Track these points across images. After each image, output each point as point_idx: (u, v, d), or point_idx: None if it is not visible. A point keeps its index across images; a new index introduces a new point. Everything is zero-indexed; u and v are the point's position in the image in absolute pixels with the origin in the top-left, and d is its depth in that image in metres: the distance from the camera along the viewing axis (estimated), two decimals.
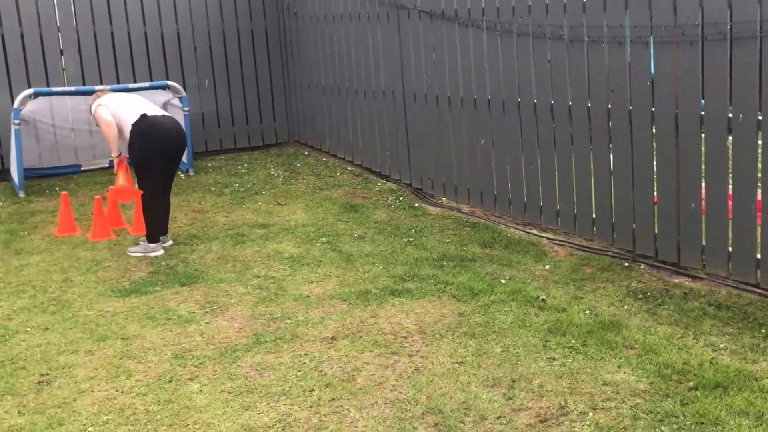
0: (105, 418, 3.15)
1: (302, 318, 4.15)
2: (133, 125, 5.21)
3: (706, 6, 4.11)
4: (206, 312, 4.29)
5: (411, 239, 5.57)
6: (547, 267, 4.81)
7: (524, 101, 5.44)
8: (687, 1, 4.20)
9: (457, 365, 3.52)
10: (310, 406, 3.18)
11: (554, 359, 3.53)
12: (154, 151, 5.22)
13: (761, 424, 2.89)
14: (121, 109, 5.34)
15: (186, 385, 3.42)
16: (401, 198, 6.71)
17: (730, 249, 4.25)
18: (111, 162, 7.94)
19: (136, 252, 5.35)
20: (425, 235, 5.67)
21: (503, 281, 4.58)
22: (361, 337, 3.87)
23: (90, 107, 5.59)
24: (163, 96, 7.62)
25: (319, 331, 3.96)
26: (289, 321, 4.12)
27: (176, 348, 3.82)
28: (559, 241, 5.26)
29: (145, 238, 5.40)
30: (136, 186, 5.36)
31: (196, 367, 3.60)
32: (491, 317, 4.05)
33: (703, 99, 4.28)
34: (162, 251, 5.35)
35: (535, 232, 5.49)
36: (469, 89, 5.95)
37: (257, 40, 8.83)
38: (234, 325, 4.09)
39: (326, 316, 4.15)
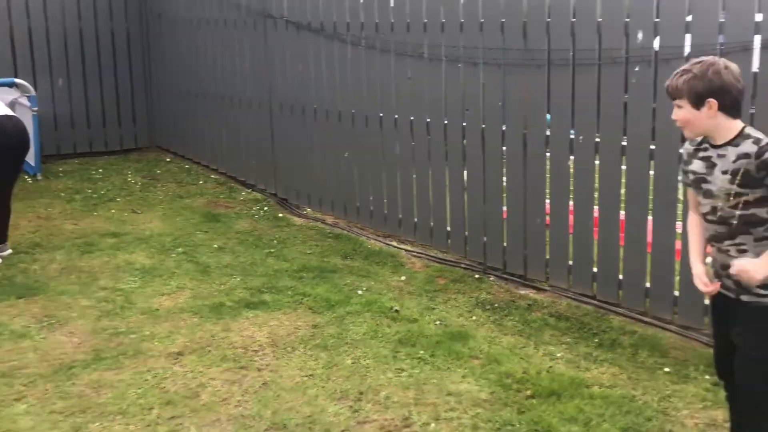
0: None
1: (148, 332, 3.97)
2: None
3: (552, 33, 4.35)
4: (43, 326, 4.01)
5: (272, 250, 5.49)
6: (403, 278, 4.89)
7: (386, 116, 5.53)
8: (535, 27, 4.43)
9: (306, 378, 3.49)
10: (148, 425, 3.04)
11: (402, 370, 3.59)
12: (6, 151, 4.85)
13: (588, 430, 3.06)
14: None
15: (11, 406, 3.17)
16: (266, 208, 6.61)
17: (570, 263, 4.51)
18: None
19: None
20: (287, 246, 5.62)
21: (360, 292, 4.61)
22: (209, 351, 3.75)
23: None
24: (11, 94, 7.11)
25: (165, 346, 3.81)
26: (133, 336, 3.93)
27: (4, 366, 3.54)
28: (417, 252, 5.37)
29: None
30: None
31: (24, 386, 3.35)
32: (345, 329, 4.05)
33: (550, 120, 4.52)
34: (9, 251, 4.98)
35: (394, 243, 5.57)
36: (334, 102, 5.98)
37: (118, 41, 8.45)
38: (72, 341, 3.85)
39: (174, 331, 4.00)
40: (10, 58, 7.78)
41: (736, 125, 2.44)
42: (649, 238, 4.10)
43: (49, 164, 7.76)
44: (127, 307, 4.32)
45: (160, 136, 8.69)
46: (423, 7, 5.09)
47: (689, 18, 3.75)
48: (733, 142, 2.43)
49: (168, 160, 8.31)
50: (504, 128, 4.71)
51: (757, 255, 2.39)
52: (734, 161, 2.41)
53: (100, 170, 7.80)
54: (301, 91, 6.29)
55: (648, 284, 4.16)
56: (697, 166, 2.53)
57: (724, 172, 2.43)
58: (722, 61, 2.41)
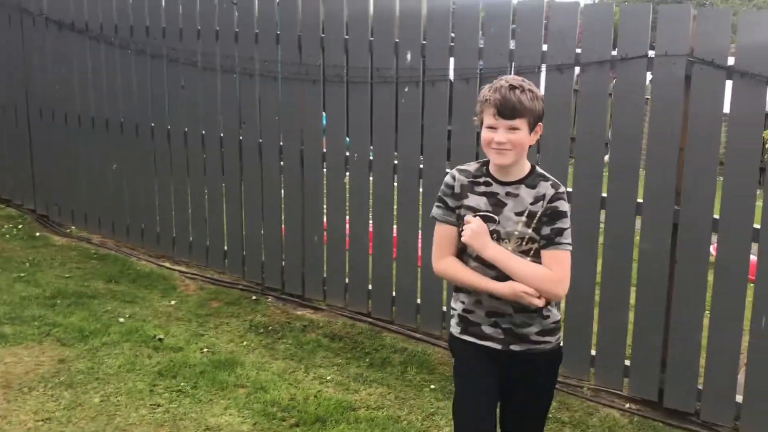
0: None
1: None
2: None
3: (327, 48, 4.28)
4: None
5: (23, 274, 4.87)
6: (173, 302, 4.54)
7: (158, 126, 5.15)
8: (310, 41, 4.33)
9: (41, 423, 3.05)
10: None
11: (159, 405, 3.27)
12: None
13: None
14: None
15: None
16: (21, 226, 5.89)
17: (347, 280, 4.45)
18: None
19: None
20: (42, 269, 5.01)
21: (122, 320, 4.19)
22: None
23: None
24: None
25: None
26: None
27: None
28: (192, 274, 5.04)
29: None
30: None
31: None
32: (98, 362, 3.64)
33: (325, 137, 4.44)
34: None
35: (167, 264, 5.19)
36: (101, 109, 5.47)
37: None
38: None
39: None
40: None
41: (527, 160, 2.21)
42: (420, 254, 4.15)
43: None
44: None
45: None
46: (196, 14, 4.81)
47: (452, 43, 3.85)
48: (527, 180, 2.19)
49: None
50: (281, 143, 4.56)
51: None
52: (532, 203, 2.16)
53: None
54: (64, 95, 5.69)
55: (419, 300, 4.20)
56: (476, 201, 2.21)
57: (519, 214, 2.16)
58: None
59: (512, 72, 3.63)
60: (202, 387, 3.45)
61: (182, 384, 3.46)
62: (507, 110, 2.09)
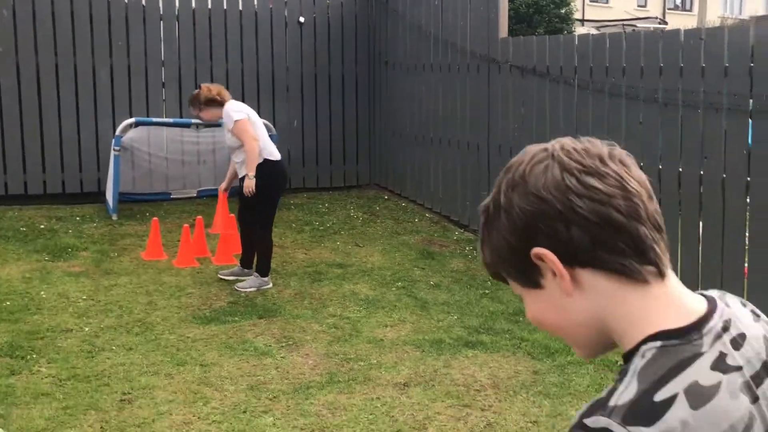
0: None
1: (375, 361, 4.16)
2: (265, 159, 5.24)
3: None
4: (282, 346, 4.37)
5: (487, 291, 5.53)
6: None
7: None
8: None
9: (530, 424, 3.46)
10: None
11: None
12: (278, 191, 5.48)
13: None
14: (261, 130, 5.37)
15: (260, 417, 3.48)
16: (471, 247, 6.69)
17: None
18: (199, 192, 8.27)
19: (248, 287, 5.32)
20: (501, 287, 5.62)
21: None
22: (433, 386, 3.85)
23: (226, 110, 5.24)
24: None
25: (392, 375, 3.97)
26: (362, 363, 4.14)
27: (252, 379, 3.89)
28: None
29: (256, 273, 5.39)
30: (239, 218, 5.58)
31: (270, 400, 3.66)
32: (567, 378, 3.96)
33: None
34: (271, 284, 5.46)
35: None
36: None
37: (347, 86, 9.09)
38: (308, 362, 4.15)
39: (399, 362, 4.16)
40: (255, 99, 8.67)
41: None
42: None
43: (282, 197, 8.47)
44: (354, 335, 4.57)
45: (379, 174, 9.16)
46: (659, 51, 4.92)
47: None
48: None
49: (386, 197, 8.71)
50: (749, 179, 4.38)
51: None
52: None
53: (326, 204, 8.38)
54: (521, 134, 6.33)
55: None
56: None
57: None
58: None
59: None
60: None
61: None
62: None
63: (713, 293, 0.90)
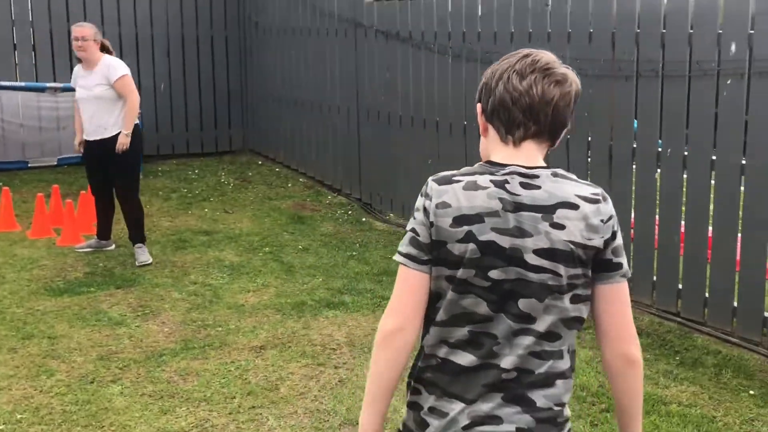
0: (19, 416, 3.12)
1: (233, 326, 4.16)
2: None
3: (642, 43, 4.28)
4: (138, 315, 4.28)
5: (354, 253, 5.63)
6: None
7: (470, 124, 5.57)
8: (624, 37, 4.37)
9: None
10: (229, 413, 3.20)
11: None
12: (141, 153, 5.36)
13: None
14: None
15: (107, 386, 3.41)
16: (350, 212, 6.77)
17: (655, 278, 4.40)
18: (59, 160, 7.86)
19: (147, 260, 5.11)
20: (369, 249, 5.74)
21: None
22: (290, 347, 3.90)
23: (112, 62, 5.01)
24: None
25: (249, 340, 3.98)
26: (219, 329, 4.13)
27: (102, 350, 3.80)
28: None
29: (141, 243, 5.21)
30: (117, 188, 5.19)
31: (120, 369, 3.59)
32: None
33: None
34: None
35: None
36: (419, 110, 6.07)
37: (216, 49, 8.84)
38: (164, 330, 4.09)
39: (258, 326, 4.18)
40: None
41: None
42: (738, 257, 3.97)
43: (148, 164, 8.21)
44: (215, 301, 4.54)
45: (253, 140, 9.04)
46: (510, 17, 5.10)
47: None
48: None
49: (259, 163, 8.62)
50: (589, 139, 4.66)
51: None
52: None
53: (196, 171, 8.19)
54: (388, 99, 6.41)
55: (735, 303, 4.02)
56: None
57: None
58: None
59: None
60: None
61: None
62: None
63: (553, 170, 1.50)
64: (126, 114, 4.99)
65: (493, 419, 1.45)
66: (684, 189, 4.21)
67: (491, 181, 1.46)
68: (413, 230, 1.50)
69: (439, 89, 5.82)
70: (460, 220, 1.45)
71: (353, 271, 5.20)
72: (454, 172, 1.50)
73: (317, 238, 6.01)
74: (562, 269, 1.44)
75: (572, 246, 1.44)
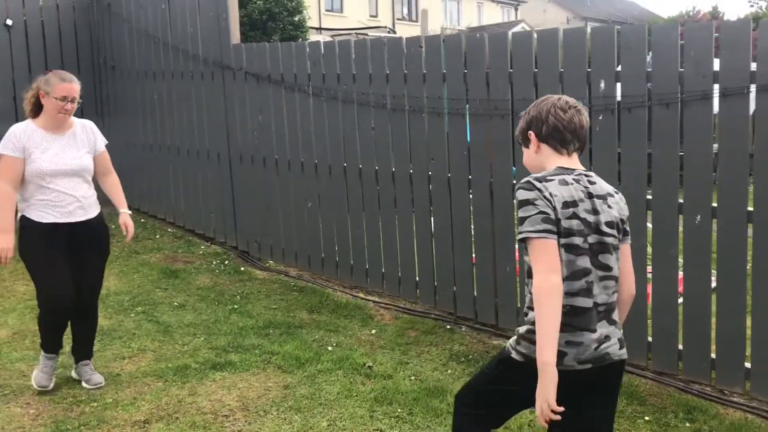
0: None
1: (111, 400, 3.76)
2: None
3: (516, 83, 4.40)
4: None
5: (236, 306, 5.33)
6: (373, 332, 4.79)
7: (350, 166, 5.49)
8: (499, 77, 4.47)
9: None
10: None
11: (381, 430, 3.46)
12: None
13: None
14: None
15: None
16: (226, 262, 6.45)
17: None
18: None
19: (100, 381, 3.95)
20: (251, 301, 5.46)
21: (330, 348, 4.48)
22: (177, 418, 3.57)
23: (92, 126, 4.05)
24: None
25: (130, 414, 3.61)
26: (95, 404, 3.72)
27: None
28: (385, 304, 5.28)
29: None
30: None
31: None
32: (318, 388, 3.92)
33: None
34: None
35: (361, 295, 5.48)
36: (296, 152, 5.92)
37: None
38: (29, 412, 3.62)
39: (139, 397, 3.80)
40: None
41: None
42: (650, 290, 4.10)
43: None
44: None
45: None
46: (384, 59, 5.11)
47: (649, 69, 3.82)
48: None
49: None
50: (470, 177, 4.72)
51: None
52: None
53: None
54: (262, 142, 6.22)
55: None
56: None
57: None
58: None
59: (718, 93, 3.56)
60: (418, 414, 3.61)
61: (399, 410, 3.65)
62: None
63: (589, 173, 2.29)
64: (118, 188, 4.17)
65: (607, 338, 2.20)
66: None
67: (573, 179, 2.22)
68: (542, 212, 2.12)
69: (316, 131, 5.71)
70: (566, 204, 2.16)
71: (237, 326, 4.91)
72: (540, 175, 2.22)
73: (194, 292, 5.66)
74: (616, 233, 2.23)
75: (618, 219, 2.25)
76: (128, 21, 7.61)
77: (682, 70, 3.73)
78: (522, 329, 2.23)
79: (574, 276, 2.13)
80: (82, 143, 3.90)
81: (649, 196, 3.97)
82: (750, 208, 3.62)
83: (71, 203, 3.79)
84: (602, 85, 4.02)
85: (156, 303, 5.36)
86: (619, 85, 3.98)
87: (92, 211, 3.91)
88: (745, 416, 3.58)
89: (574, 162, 2.27)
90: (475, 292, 4.82)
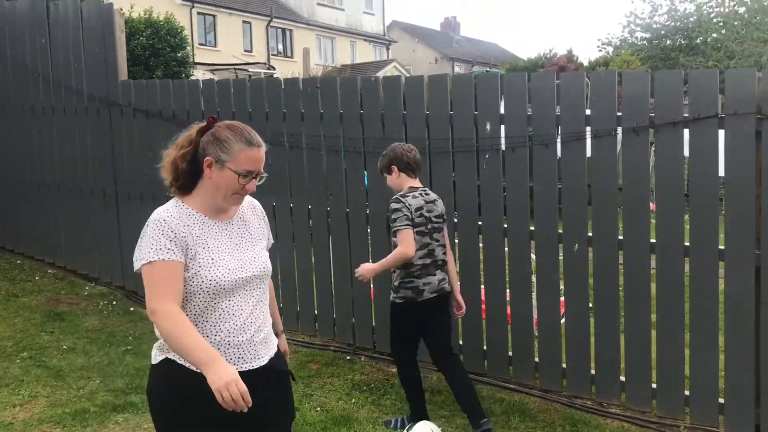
0: None
1: None
2: None
3: (409, 124, 4.68)
4: None
5: (129, 347, 5.21)
6: None
7: None
8: (393, 119, 4.73)
9: None
10: None
11: None
12: None
13: None
14: None
15: None
16: (114, 303, 6.26)
17: None
18: None
19: None
20: (145, 341, 5.34)
21: None
22: None
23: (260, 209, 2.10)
24: None
25: None
26: None
27: None
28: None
29: None
30: None
31: None
32: None
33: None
34: None
35: None
36: None
37: None
38: None
39: None
40: None
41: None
42: (510, 311, 4.44)
43: None
44: None
45: None
46: (281, 98, 5.25)
47: (530, 112, 4.22)
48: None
49: None
50: (368, 212, 4.93)
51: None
52: None
53: None
54: (151, 179, 6.14)
55: (510, 353, 4.47)
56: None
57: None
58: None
59: (590, 135, 3.99)
60: None
61: None
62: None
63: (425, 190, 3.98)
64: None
65: (443, 280, 3.91)
66: (457, 252, 4.62)
67: (419, 194, 3.83)
68: (405, 215, 3.72)
69: None
70: (417, 209, 3.77)
71: (133, 367, 4.80)
72: (401, 193, 3.82)
73: (82, 335, 5.46)
74: (441, 222, 3.91)
75: (441, 213, 3.93)
76: (2, 54, 7.29)
77: (558, 114, 4.15)
78: (396, 283, 3.85)
79: (422, 247, 3.78)
80: (256, 230, 2.44)
81: (532, 228, 4.34)
82: (620, 237, 4.06)
83: (256, 332, 2.32)
84: (488, 126, 4.38)
85: (43, 347, 5.14)
86: (503, 126, 4.35)
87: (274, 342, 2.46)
88: (622, 425, 3.96)
89: (417, 182, 3.89)
90: (374, 323, 5.00)
